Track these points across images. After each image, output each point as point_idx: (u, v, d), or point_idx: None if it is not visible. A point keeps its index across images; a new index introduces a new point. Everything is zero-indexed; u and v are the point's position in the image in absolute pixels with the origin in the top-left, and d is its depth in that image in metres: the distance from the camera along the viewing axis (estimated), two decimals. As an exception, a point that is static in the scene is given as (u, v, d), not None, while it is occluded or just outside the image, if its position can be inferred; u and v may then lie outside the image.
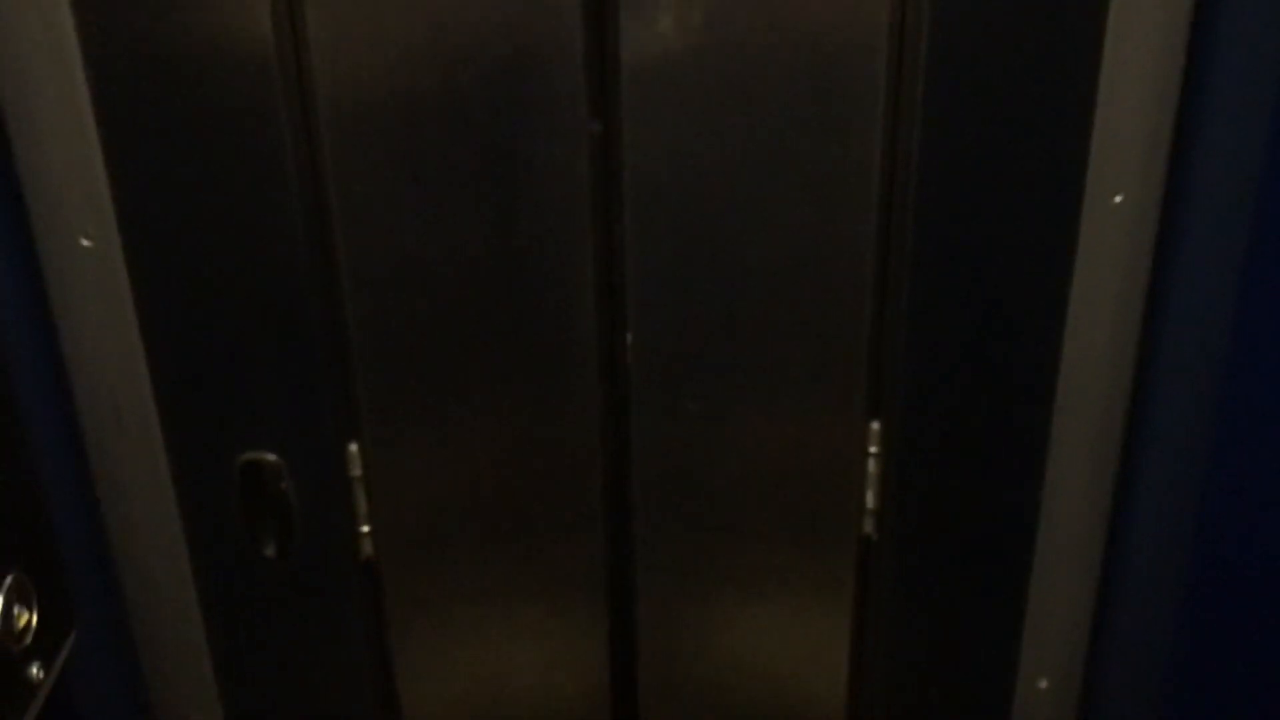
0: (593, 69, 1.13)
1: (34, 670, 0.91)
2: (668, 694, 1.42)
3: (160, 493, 1.27)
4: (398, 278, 1.19)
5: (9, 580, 0.87)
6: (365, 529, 1.29)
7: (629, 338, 1.23)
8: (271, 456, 1.25)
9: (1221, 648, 1.17)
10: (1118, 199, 1.16)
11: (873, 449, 1.27)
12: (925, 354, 1.23)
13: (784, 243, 1.20)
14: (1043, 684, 1.39)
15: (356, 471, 1.27)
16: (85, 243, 1.16)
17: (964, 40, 1.10)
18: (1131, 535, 1.29)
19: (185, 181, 1.15)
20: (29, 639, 0.90)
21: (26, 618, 0.89)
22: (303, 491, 1.27)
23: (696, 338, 1.24)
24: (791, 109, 1.13)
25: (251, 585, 1.32)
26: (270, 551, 1.28)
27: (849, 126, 1.14)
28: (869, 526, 1.31)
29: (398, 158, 1.15)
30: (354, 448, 1.26)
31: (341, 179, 1.14)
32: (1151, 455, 1.24)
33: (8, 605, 0.87)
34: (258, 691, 1.39)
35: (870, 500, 1.30)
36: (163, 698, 1.38)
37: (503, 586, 1.35)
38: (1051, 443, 1.26)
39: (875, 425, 1.26)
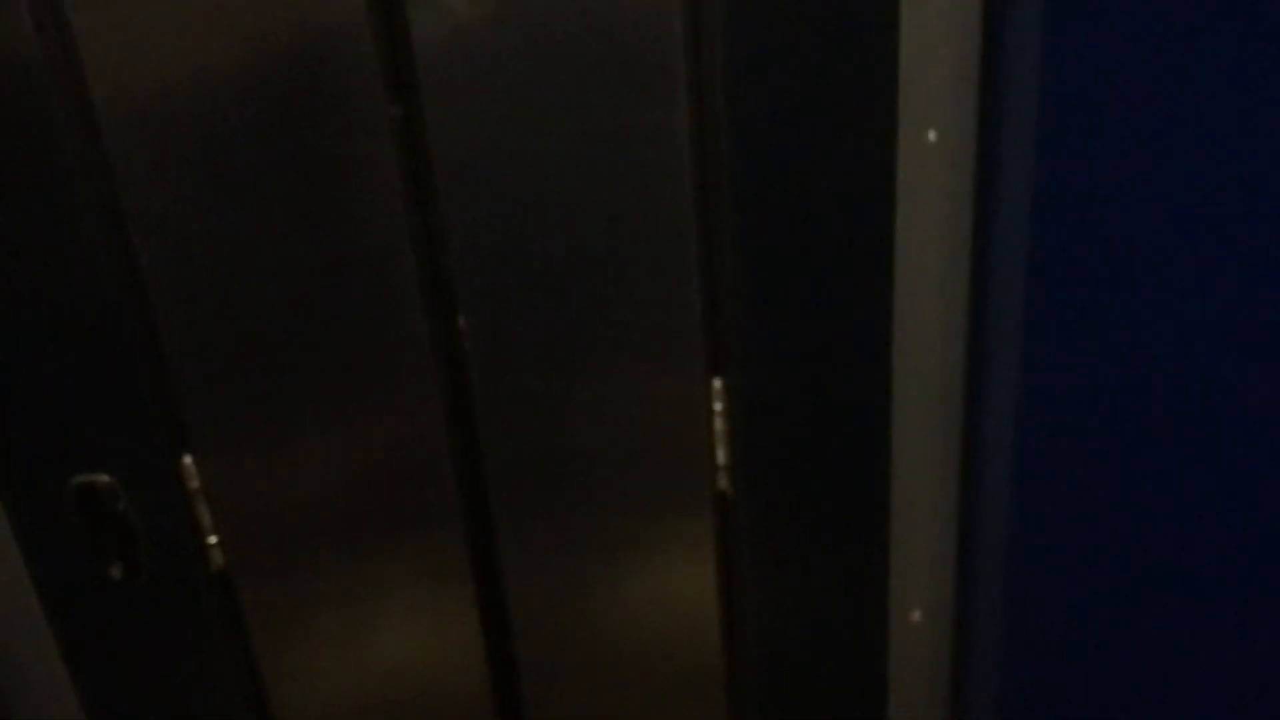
0: (385, 52, 1.09)
1: None
2: (547, 671, 1.42)
3: (-7, 527, 1.23)
4: (208, 284, 1.16)
5: None
6: (213, 540, 1.26)
7: (460, 322, 1.21)
8: (105, 477, 1.21)
9: (1070, 565, 1.20)
10: (931, 135, 1.16)
11: (718, 406, 1.27)
12: (759, 306, 1.23)
13: (605, 209, 1.18)
14: (916, 616, 1.41)
15: (195, 484, 1.23)
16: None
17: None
18: (982, 458, 1.31)
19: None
20: None
21: None
22: (142, 509, 1.23)
23: (530, 314, 1.22)
24: (593, 75, 1.11)
25: (104, 608, 1.29)
26: (117, 573, 1.25)
27: (653, 87, 1.12)
28: (724, 483, 1.31)
29: (191, 160, 1.11)
30: (189, 460, 1.22)
31: (132, 186, 1.10)
32: (992, 379, 1.26)
33: None
34: (126, 714, 1.36)
35: (721, 457, 1.30)
36: (30, 731, 1.35)
37: (365, 584, 1.33)
38: (894, 380, 1.27)
39: (718, 382, 1.26)
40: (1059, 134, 1.05)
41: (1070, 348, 1.10)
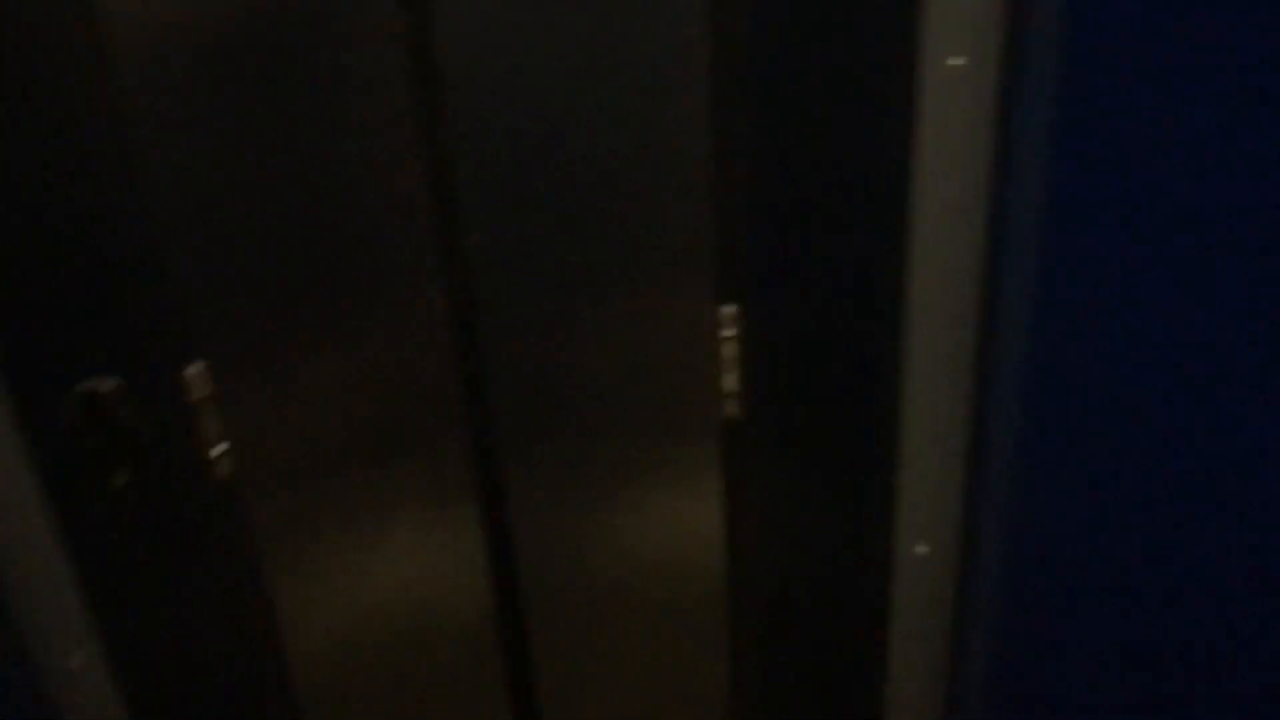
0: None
1: None
2: (549, 594, 1.42)
3: (3, 426, 1.23)
4: (220, 194, 1.14)
5: None
6: (219, 450, 1.27)
7: (473, 239, 1.20)
8: (111, 383, 1.21)
9: (1078, 502, 1.19)
10: (954, 60, 1.12)
11: (727, 332, 1.26)
12: (771, 231, 1.21)
13: (618, 129, 1.16)
14: (921, 549, 1.41)
15: (203, 392, 1.23)
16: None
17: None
18: (995, 390, 1.29)
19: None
20: None
21: None
22: (148, 416, 1.23)
23: (539, 234, 1.20)
24: (610, -13, 1.09)
25: (111, 514, 1.30)
26: (121, 480, 1.26)
27: (672, 1, 1.09)
28: (732, 409, 1.30)
29: (202, 68, 1.09)
30: (195, 369, 1.22)
31: (142, 91, 1.09)
32: (1007, 312, 1.24)
33: None
34: (134, 621, 1.37)
35: (730, 383, 1.28)
36: (38, 639, 1.36)
37: (370, 499, 1.34)
38: (908, 306, 1.25)
39: (727, 309, 1.24)
40: (1085, 64, 1.02)
41: (1088, 280, 1.07)
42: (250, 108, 1.11)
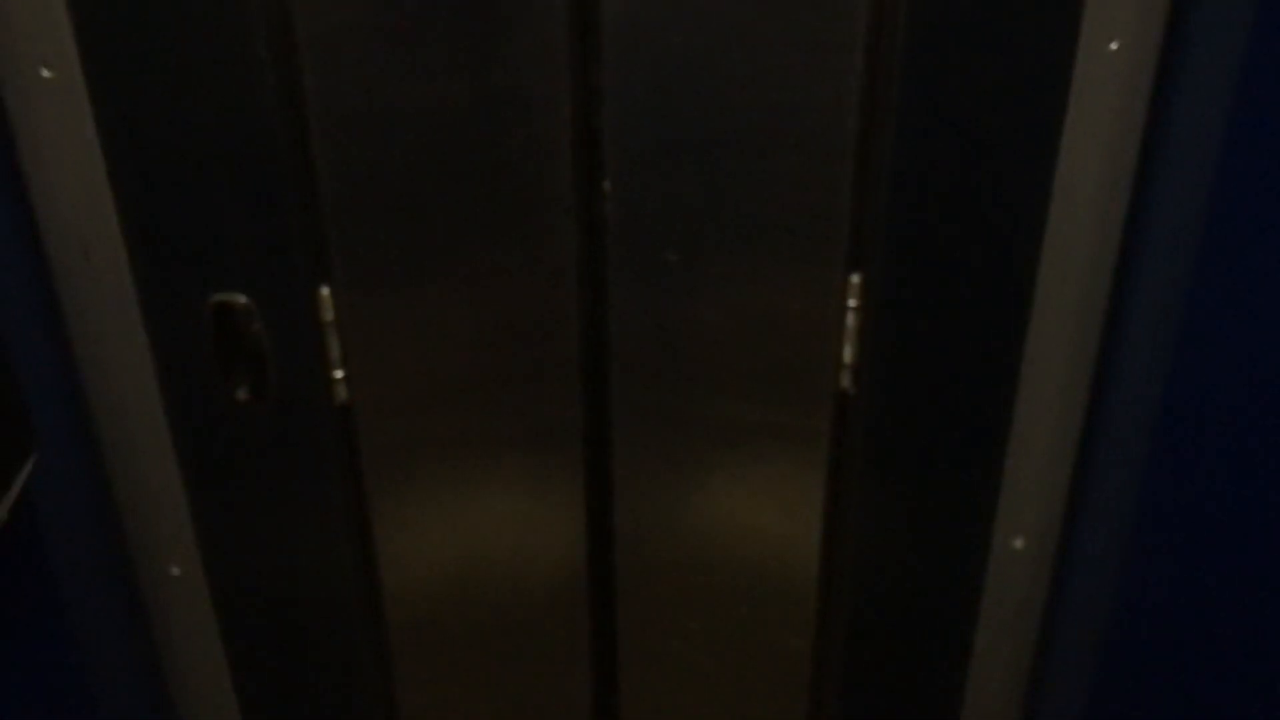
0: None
1: (-14, 494, 0.91)
2: (643, 548, 1.43)
3: (131, 332, 1.25)
4: (369, 121, 1.16)
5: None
6: (339, 375, 1.28)
7: (606, 186, 1.21)
8: (242, 299, 1.24)
9: (1193, 514, 1.17)
10: (1113, 45, 1.12)
11: (852, 302, 1.25)
12: (908, 206, 1.20)
13: (767, 89, 1.16)
14: (1018, 543, 1.40)
15: (329, 316, 1.25)
16: (46, 73, 1.13)
17: None
18: (1113, 395, 1.28)
19: (147, 13, 1.11)
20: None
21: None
22: (275, 335, 1.26)
23: (676, 187, 1.21)
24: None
25: (227, 429, 1.32)
26: (243, 395, 1.28)
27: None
28: (846, 381, 1.30)
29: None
30: (326, 292, 1.24)
31: (304, 12, 1.10)
32: (1136, 314, 1.22)
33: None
34: (235, 536, 1.40)
35: (848, 355, 1.28)
36: (143, 544, 1.39)
37: (480, 433, 1.35)
38: (1036, 297, 1.24)
39: (855, 278, 1.24)
40: (1256, 60, 1.01)
41: (1235, 284, 1.05)
42: (404, 32, 1.13)
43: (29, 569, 1.12)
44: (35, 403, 1.00)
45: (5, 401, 0.93)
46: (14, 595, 1.08)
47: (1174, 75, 1.12)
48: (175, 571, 1.40)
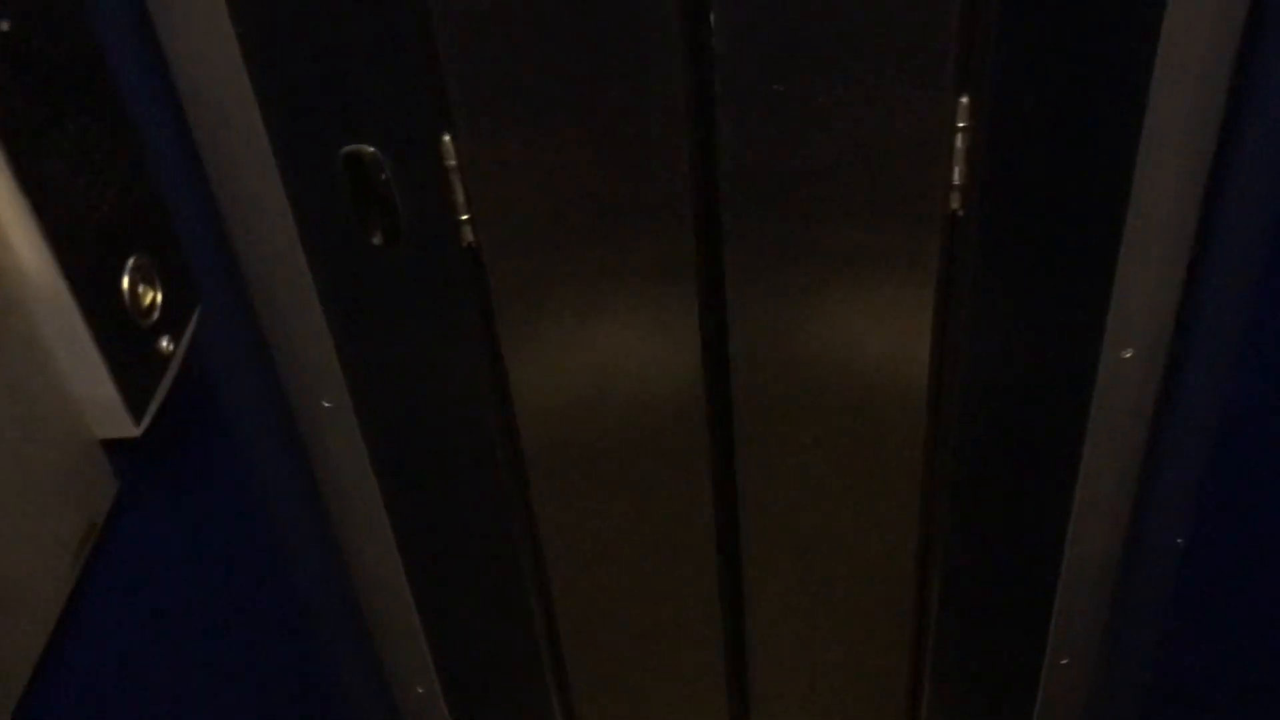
0: None
1: (164, 343, 1.00)
2: (758, 374, 1.49)
3: (271, 188, 1.33)
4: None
5: (132, 262, 0.95)
6: (465, 217, 1.35)
7: (711, 18, 1.22)
8: (370, 149, 1.30)
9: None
10: None
11: (961, 124, 1.26)
12: (1018, 27, 1.19)
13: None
14: (1127, 354, 1.42)
15: (452, 161, 1.31)
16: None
17: None
18: (1224, 211, 1.28)
19: None
20: (156, 315, 0.99)
21: (152, 295, 0.98)
22: (403, 182, 1.32)
23: (780, 13, 1.22)
24: None
25: (364, 271, 1.41)
26: (377, 239, 1.36)
27: None
28: (955, 203, 1.32)
29: None
30: (448, 139, 1.29)
31: None
32: (1250, 136, 1.21)
33: (133, 285, 0.95)
34: (378, 373, 1.50)
35: (957, 176, 1.30)
36: (292, 379, 1.51)
37: (600, 270, 1.41)
38: (1147, 111, 1.23)
39: (964, 100, 1.25)
40: None
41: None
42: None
43: (201, 408, 1.24)
44: (195, 259, 1.09)
45: (174, 265, 1.02)
46: (190, 433, 1.20)
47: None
48: (327, 404, 1.52)
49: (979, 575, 1.69)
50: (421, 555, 1.71)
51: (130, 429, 0.94)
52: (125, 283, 0.93)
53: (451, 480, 1.63)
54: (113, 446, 0.96)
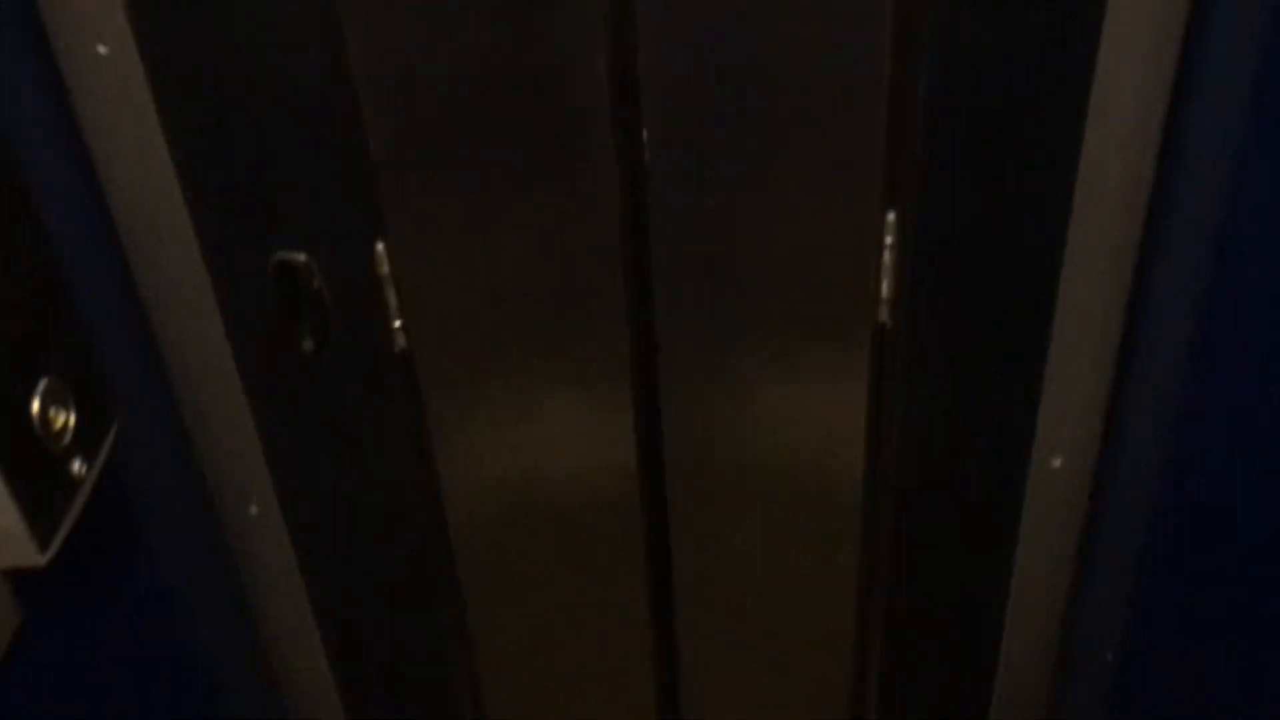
0: None
1: (76, 466, 0.98)
2: (693, 475, 1.49)
3: (201, 295, 1.32)
4: (411, 82, 1.20)
5: (44, 385, 0.92)
6: (398, 324, 1.35)
7: (644, 134, 1.24)
8: (302, 257, 1.29)
9: (1228, 435, 1.20)
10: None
11: (889, 239, 1.28)
12: (943, 143, 1.22)
13: (799, 30, 1.17)
14: (1056, 463, 1.44)
15: (385, 269, 1.31)
16: (102, 50, 1.17)
17: None
18: (1148, 319, 1.30)
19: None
20: (68, 438, 0.96)
21: (64, 418, 0.95)
22: (335, 289, 1.32)
23: (712, 130, 1.24)
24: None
25: (294, 378, 1.39)
26: (308, 346, 1.35)
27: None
28: (884, 315, 1.34)
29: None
30: (381, 247, 1.29)
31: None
32: (1173, 242, 1.24)
33: (44, 408, 0.92)
34: (308, 476, 1.48)
35: (885, 289, 1.32)
36: (222, 489, 1.48)
37: (532, 374, 1.41)
38: (1070, 232, 1.26)
39: (891, 216, 1.27)
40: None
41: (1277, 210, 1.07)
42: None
43: (117, 529, 1.21)
44: (118, 370, 1.07)
45: (87, 378, 1.00)
46: (104, 557, 1.17)
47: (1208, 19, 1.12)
48: (254, 511, 1.49)
49: (913, 681, 1.68)
50: (354, 664, 1.67)
51: (35, 558, 0.91)
52: (35, 406, 0.91)
53: (383, 585, 1.60)
54: (17, 575, 0.93)
